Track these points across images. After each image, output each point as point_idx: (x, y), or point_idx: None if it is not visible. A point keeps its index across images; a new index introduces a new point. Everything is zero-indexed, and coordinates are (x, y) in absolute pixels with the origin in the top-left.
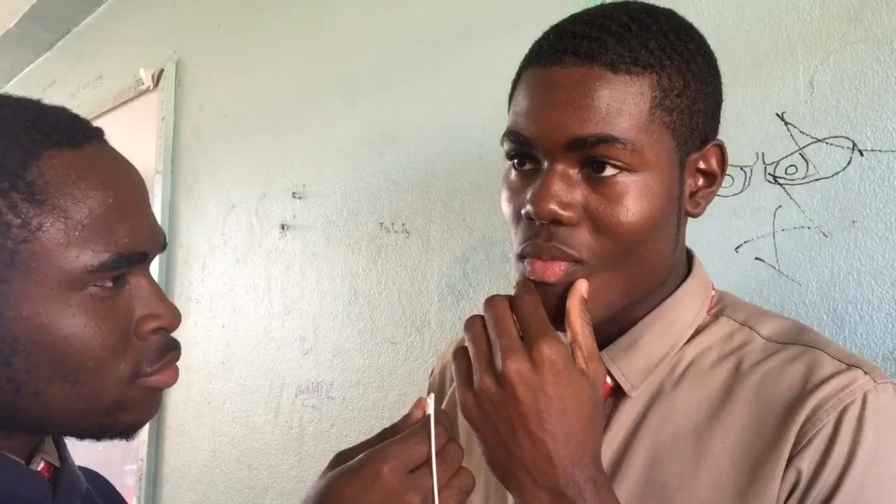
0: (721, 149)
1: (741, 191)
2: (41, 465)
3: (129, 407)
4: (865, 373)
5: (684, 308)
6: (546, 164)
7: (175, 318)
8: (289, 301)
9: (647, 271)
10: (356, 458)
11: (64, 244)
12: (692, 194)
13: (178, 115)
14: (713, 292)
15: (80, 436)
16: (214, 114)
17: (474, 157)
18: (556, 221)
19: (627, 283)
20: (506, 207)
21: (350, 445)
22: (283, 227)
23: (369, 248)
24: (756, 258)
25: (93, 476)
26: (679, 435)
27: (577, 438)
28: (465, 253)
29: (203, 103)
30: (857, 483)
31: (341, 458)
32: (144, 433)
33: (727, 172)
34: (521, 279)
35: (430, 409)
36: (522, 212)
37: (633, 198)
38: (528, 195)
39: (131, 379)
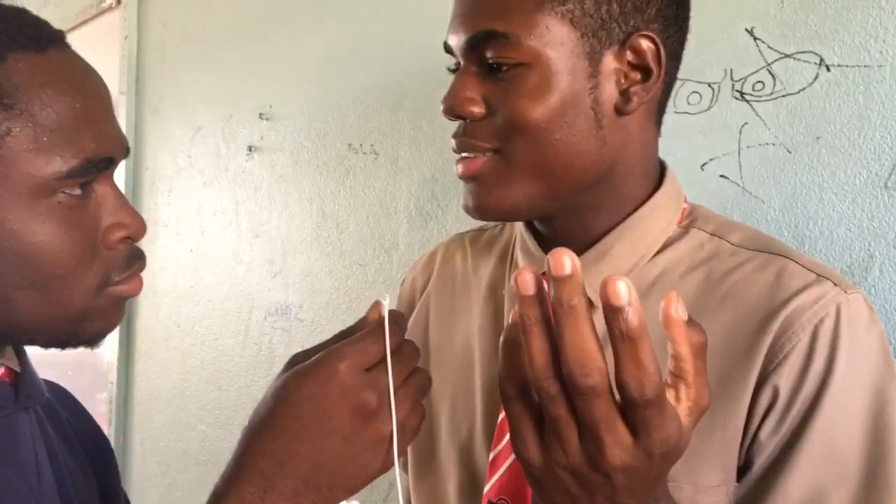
0: (654, 42)
1: (708, 108)
2: (1, 370)
3: (96, 316)
4: (835, 284)
5: (654, 219)
6: (461, 65)
7: (141, 227)
8: (257, 224)
9: (565, 166)
10: (312, 358)
11: (33, 150)
12: (623, 91)
13: (141, 34)
14: (685, 205)
15: (46, 344)
16: (179, 32)
17: (444, 76)
18: (466, 117)
19: (547, 177)
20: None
21: None
22: (250, 149)
23: (337, 169)
24: (720, 175)
25: (53, 387)
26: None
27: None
28: (434, 174)
29: (167, 21)
30: (836, 396)
31: (296, 359)
32: (113, 357)
33: (696, 90)
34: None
35: (385, 310)
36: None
37: (529, 89)
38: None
39: (100, 288)
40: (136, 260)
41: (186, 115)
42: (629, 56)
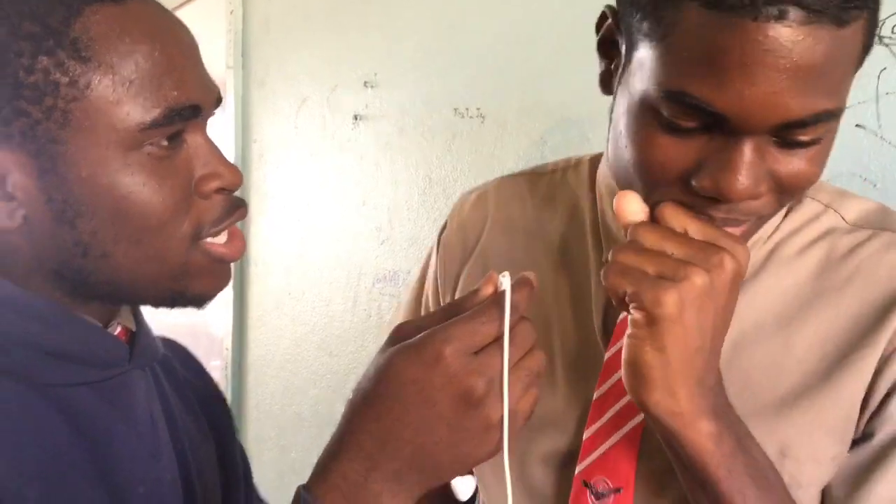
0: None
1: None
2: (118, 330)
3: (196, 273)
4: None
5: None
6: (738, 136)
7: (236, 176)
8: (363, 192)
9: None
10: (418, 337)
11: (114, 102)
12: None
13: (246, 9)
14: None
15: (155, 303)
16: (283, 5)
17: (551, 35)
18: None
19: None
20: (648, 168)
21: None
22: (355, 117)
23: (443, 135)
24: (856, 125)
25: (172, 345)
26: (763, 322)
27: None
28: (543, 136)
29: None
30: None
31: (402, 331)
32: (227, 325)
33: None
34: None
35: (507, 286)
36: (696, 185)
37: (824, 155)
38: (712, 170)
39: (193, 239)
40: (235, 209)
41: (292, 87)
42: None
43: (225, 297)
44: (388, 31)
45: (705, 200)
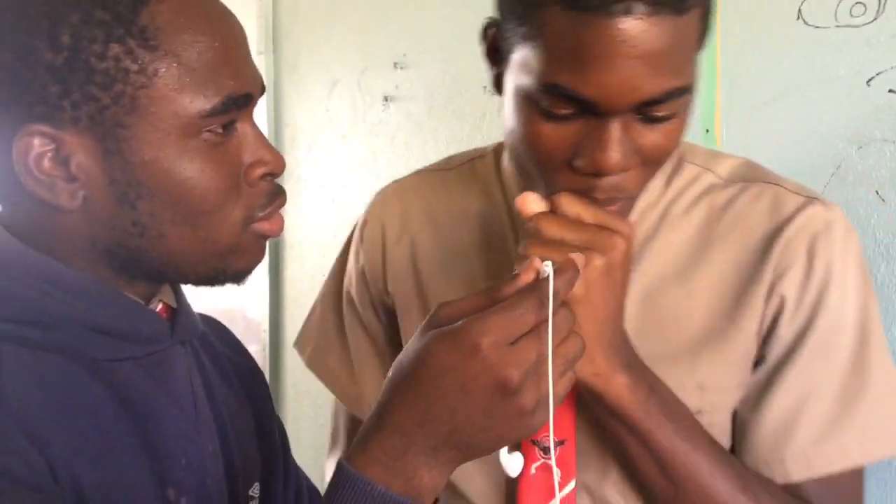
0: None
1: (874, 19)
2: (159, 306)
3: (241, 251)
4: (822, 204)
5: None
6: (606, 117)
7: (280, 163)
8: (395, 173)
9: None
10: (457, 325)
11: (178, 89)
12: None
13: None
14: None
15: (197, 281)
16: None
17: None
18: (626, 170)
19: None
20: (537, 155)
21: None
22: (385, 99)
23: (473, 114)
24: (889, 90)
25: (210, 321)
26: (665, 276)
27: None
28: None
29: None
30: (834, 299)
31: (441, 314)
32: (265, 308)
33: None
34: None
35: (550, 273)
36: (577, 164)
37: (683, 127)
38: (589, 150)
39: (245, 224)
40: (277, 196)
41: (323, 70)
42: None
43: (261, 280)
44: (416, 11)
45: (588, 179)
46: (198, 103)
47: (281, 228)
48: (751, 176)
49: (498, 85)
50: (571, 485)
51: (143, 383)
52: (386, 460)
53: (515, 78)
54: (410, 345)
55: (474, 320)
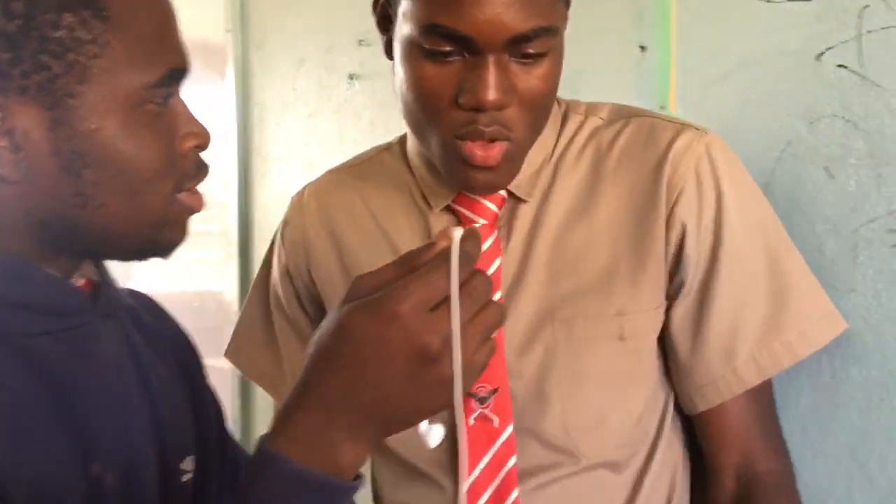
0: None
1: None
2: (81, 282)
3: (170, 223)
4: (696, 129)
5: (549, 120)
6: (482, 55)
7: (208, 136)
8: (361, 151)
9: (548, 114)
10: (375, 296)
11: (128, 60)
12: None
13: None
14: None
15: (126, 255)
16: None
17: None
18: (504, 107)
19: (539, 127)
20: (424, 97)
21: None
22: (350, 77)
23: None
24: (839, 65)
25: (138, 296)
26: (569, 217)
27: None
28: None
29: None
30: (732, 220)
31: (360, 285)
32: (234, 292)
33: None
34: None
35: (455, 241)
36: (461, 101)
37: (555, 71)
38: (470, 86)
39: (174, 192)
40: (202, 169)
41: (289, 48)
42: None
43: (231, 262)
44: None
45: (471, 114)
46: (145, 75)
47: (202, 204)
48: (627, 112)
49: (389, 51)
50: (509, 429)
51: (66, 358)
52: (307, 438)
53: (400, 31)
54: (329, 319)
55: (392, 289)
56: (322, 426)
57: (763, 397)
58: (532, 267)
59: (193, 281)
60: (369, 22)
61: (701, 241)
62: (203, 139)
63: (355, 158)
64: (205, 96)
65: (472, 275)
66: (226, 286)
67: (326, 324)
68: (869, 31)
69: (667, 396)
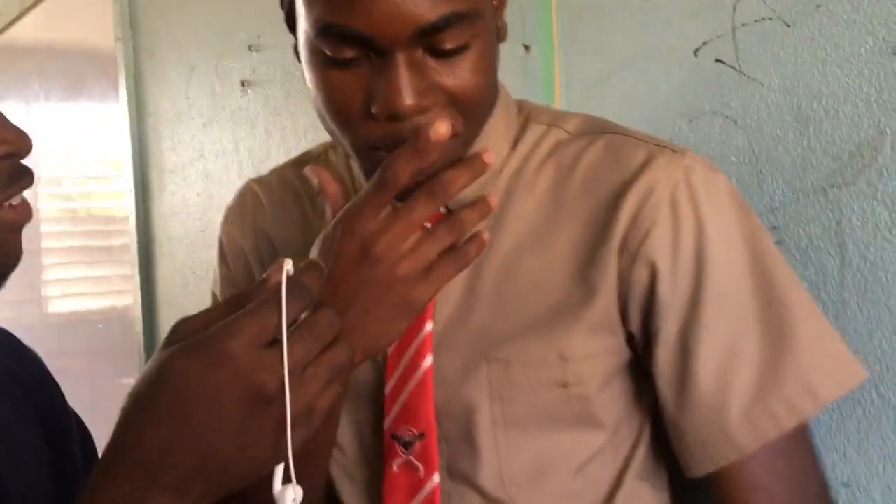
0: None
1: None
2: None
3: None
4: (673, 150)
5: (500, 123)
6: (389, 55)
7: (24, 142)
8: (257, 161)
9: (489, 112)
10: (200, 335)
11: None
12: (500, 22)
13: None
14: (512, 99)
15: None
16: None
17: None
18: (425, 111)
19: (477, 130)
20: (334, 108)
21: None
22: (243, 84)
23: None
24: (716, 60)
25: None
26: (522, 244)
27: None
28: None
29: None
30: (716, 254)
31: (181, 329)
32: (137, 309)
33: None
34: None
35: (285, 273)
36: (374, 111)
37: (483, 62)
38: (380, 92)
39: None
40: (21, 177)
41: (181, 55)
42: None
43: (133, 279)
44: None
45: (390, 125)
46: None
47: (28, 216)
48: (601, 128)
49: (298, 53)
50: (435, 478)
51: None
52: None
53: (301, 33)
54: (147, 369)
55: (221, 325)
56: (140, 491)
57: (794, 450)
58: (476, 296)
59: (96, 299)
60: (260, 26)
61: (678, 285)
62: (15, 146)
63: (303, 154)
64: (98, 107)
65: (315, 310)
66: (129, 305)
67: (143, 372)
68: (743, 24)
69: (635, 440)
